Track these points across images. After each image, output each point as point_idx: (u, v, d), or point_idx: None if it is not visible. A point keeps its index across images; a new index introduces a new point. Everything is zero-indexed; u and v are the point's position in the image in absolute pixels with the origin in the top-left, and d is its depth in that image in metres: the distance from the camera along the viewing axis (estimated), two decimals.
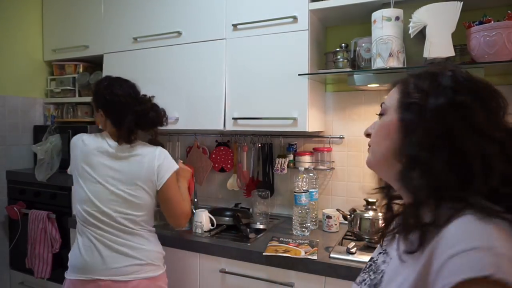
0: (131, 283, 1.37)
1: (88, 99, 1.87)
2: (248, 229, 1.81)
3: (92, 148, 1.47)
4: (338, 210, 1.81)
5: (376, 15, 1.55)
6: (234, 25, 1.88)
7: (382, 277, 0.63)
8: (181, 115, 2.05)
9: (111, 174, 1.44)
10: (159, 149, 1.51)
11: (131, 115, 1.47)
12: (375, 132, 0.71)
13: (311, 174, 1.91)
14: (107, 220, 1.42)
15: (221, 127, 1.94)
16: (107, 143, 1.48)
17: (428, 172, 0.58)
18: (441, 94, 0.59)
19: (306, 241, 1.66)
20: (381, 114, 0.71)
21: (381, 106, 0.72)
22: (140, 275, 1.40)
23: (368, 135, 0.75)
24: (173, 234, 1.84)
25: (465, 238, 0.49)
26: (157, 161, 1.47)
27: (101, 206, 1.42)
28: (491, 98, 0.60)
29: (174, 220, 1.52)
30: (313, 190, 1.91)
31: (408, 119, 0.62)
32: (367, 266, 0.76)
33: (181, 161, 1.73)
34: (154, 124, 1.56)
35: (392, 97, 0.69)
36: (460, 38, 1.50)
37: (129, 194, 1.44)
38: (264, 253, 1.55)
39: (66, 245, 2.12)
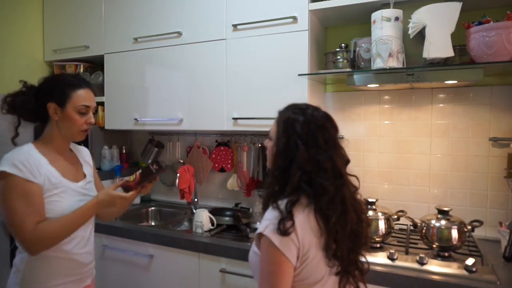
0: None
1: None
2: (248, 229, 1.82)
3: None
4: None
5: (376, 15, 1.55)
6: (234, 25, 1.89)
7: None
8: (184, 116, 2.05)
9: None
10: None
11: None
12: (268, 151, 1.11)
13: None
14: None
15: (223, 128, 1.95)
16: None
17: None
18: (287, 136, 1.01)
19: None
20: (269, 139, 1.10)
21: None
22: None
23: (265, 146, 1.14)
24: (173, 234, 1.85)
25: (265, 214, 1.01)
26: None
27: None
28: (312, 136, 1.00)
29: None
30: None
31: (276, 148, 1.05)
32: None
33: (119, 183, 1.34)
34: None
35: (273, 130, 1.07)
36: (459, 39, 1.51)
37: None
38: None
39: None
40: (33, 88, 1.30)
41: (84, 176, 1.39)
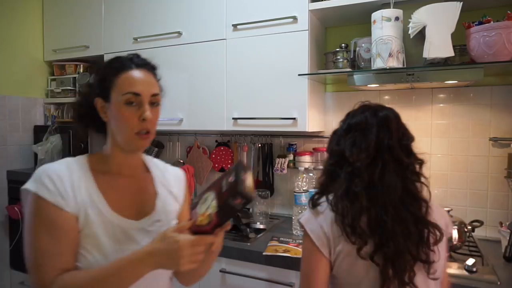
0: None
1: None
2: (248, 229, 1.82)
3: None
4: None
5: (376, 15, 1.55)
6: (234, 25, 1.89)
7: None
8: (184, 116, 2.05)
9: None
10: None
11: None
12: None
13: (311, 174, 1.91)
14: None
15: (223, 128, 1.95)
16: None
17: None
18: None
19: None
20: None
21: None
22: None
23: None
24: None
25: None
26: None
27: None
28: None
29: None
30: (313, 190, 1.91)
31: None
32: None
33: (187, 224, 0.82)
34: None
35: None
36: (459, 38, 1.51)
37: None
38: (264, 253, 1.55)
39: None
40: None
41: (153, 210, 0.92)
